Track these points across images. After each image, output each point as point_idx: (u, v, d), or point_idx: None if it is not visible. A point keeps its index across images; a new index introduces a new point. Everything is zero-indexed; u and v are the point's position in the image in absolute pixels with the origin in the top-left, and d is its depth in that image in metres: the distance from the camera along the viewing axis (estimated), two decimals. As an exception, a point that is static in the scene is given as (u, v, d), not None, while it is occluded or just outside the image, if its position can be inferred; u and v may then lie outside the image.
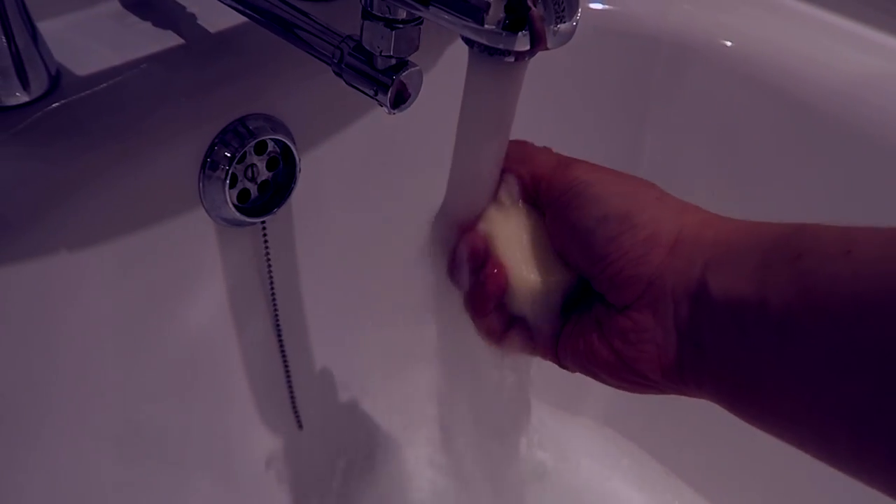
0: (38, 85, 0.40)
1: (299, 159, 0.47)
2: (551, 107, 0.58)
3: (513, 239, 0.35)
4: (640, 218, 0.30)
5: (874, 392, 0.23)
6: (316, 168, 0.49)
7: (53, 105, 0.40)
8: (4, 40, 0.39)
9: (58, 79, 0.41)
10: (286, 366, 0.55)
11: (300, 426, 0.58)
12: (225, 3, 0.40)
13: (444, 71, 0.49)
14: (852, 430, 0.24)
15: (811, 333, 0.25)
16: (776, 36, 0.55)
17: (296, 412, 0.57)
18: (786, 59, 0.54)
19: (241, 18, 0.42)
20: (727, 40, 0.56)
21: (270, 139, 0.46)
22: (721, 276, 0.28)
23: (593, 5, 0.57)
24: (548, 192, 0.34)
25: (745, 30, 0.56)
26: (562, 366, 0.35)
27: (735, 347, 0.27)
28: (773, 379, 0.26)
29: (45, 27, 0.41)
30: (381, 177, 0.55)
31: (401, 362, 0.58)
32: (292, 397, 0.56)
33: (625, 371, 0.31)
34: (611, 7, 0.58)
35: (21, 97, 0.40)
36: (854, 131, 0.51)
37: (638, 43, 0.58)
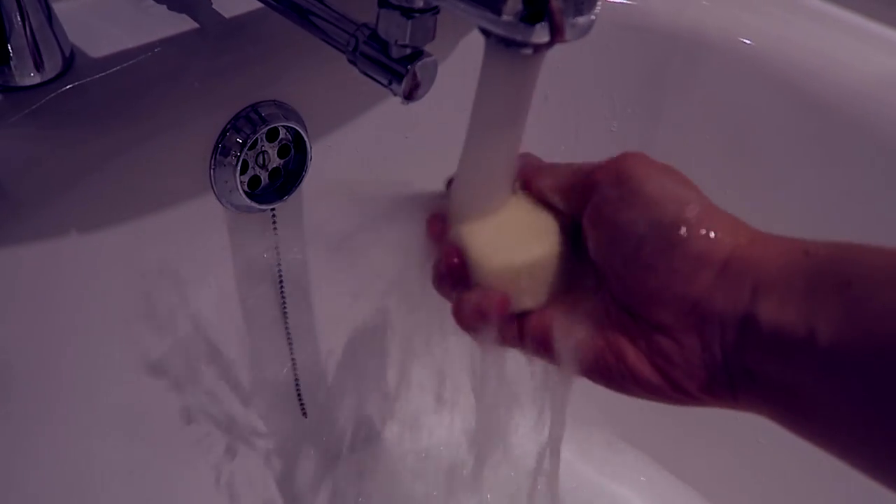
0: (52, 66, 0.40)
1: (311, 147, 0.47)
2: (566, 100, 0.58)
3: (497, 228, 0.33)
4: (694, 230, 0.28)
5: None
6: (327, 156, 0.49)
7: (67, 86, 0.40)
8: (19, 20, 0.38)
9: (72, 60, 0.41)
10: (292, 352, 0.55)
11: (304, 414, 0.58)
12: (240, -12, 0.40)
13: (459, 61, 0.49)
14: None
15: (860, 370, 0.24)
16: (795, 34, 0.55)
17: (300, 399, 0.57)
18: (805, 59, 0.53)
19: (257, 4, 0.41)
20: (746, 38, 0.55)
21: (282, 126, 0.45)
22: (769, 302, 0.27)
23: (612, -1, 0.57)
24: (586, 186, 0.31)
25: (764, 28, 0.55)
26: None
27: (781, 377, 0.26)
28: (822, 410, 0.26)
29: (60, 8, 0.41)
30: (392, 166, 0.55)
31: (407, 350, 0.58)
32: (297, 384, 0.56)
33: (669, 389, 0.29)
34: (629, 1, 0.57)
35: (35, 77, 0.40)
36: (873, 133, 0.50)
37: (655, 38, 0.57)
